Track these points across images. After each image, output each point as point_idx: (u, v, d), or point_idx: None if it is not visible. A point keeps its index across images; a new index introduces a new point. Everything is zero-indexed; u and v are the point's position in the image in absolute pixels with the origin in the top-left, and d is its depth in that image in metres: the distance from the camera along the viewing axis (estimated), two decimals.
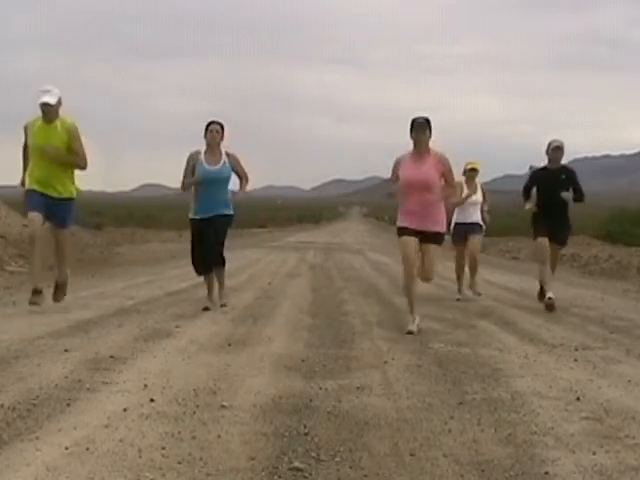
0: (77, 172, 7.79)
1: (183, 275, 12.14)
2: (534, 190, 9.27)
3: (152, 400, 4.20)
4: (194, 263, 8.34)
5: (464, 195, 10.13)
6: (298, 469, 3.20)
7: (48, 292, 7.94)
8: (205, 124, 8.19)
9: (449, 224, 9.64)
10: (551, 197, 9.04)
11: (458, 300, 9.99)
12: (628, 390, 4.90)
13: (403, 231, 7.34)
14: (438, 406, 4.33)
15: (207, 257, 8.23)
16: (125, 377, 4.78)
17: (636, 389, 4.93)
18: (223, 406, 4.15)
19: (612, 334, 7.30)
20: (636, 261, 16.58)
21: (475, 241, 10.29)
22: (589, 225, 25.72)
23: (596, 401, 4.55)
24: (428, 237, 7.29)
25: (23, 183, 7.76)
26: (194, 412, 4.02)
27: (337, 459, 3.36)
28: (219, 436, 3.62)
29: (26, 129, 7.64)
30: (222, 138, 8.19)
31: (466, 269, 10.39)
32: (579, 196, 9.09)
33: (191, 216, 8.32)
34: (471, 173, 10.35)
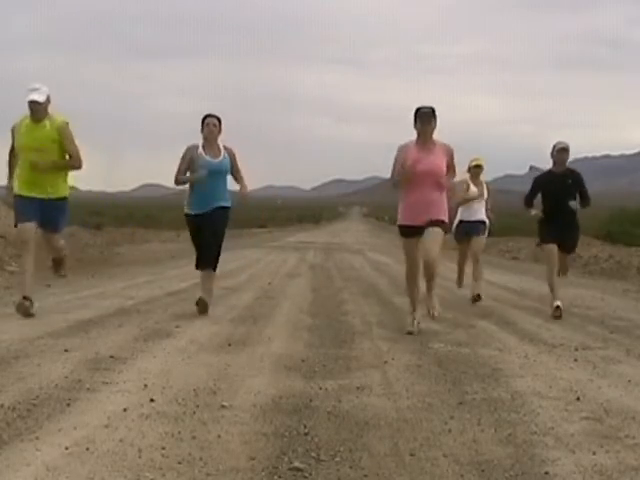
0: (73, 172, 7.53)
1: (183, 275, 12.15)
2: (538, 196, 8.82)
3: (152, 400, 4.20)
4: (198, 260, 7.99)
5: (471, 195, 9.82)
6: (298, 469, 3.20)
7: (47, 292, 7.94)
8: (201, 117, 7.92)
9: (451, 222, 9.39)
10: (558, 204, 8.55)
11: (459, 288, 10.27)
12: (628, 390, 4.90)
13: (406, 231, 7.12)
14: (438, 406, 4.33)
15: (204, 254, 7.89)
16: (125, 377, 4.78)
17: (636, 389, 4.93)
18: (223, 406, 4.15)
19: (612, 334, 7.30)
20: (636, 261, 16.59)
21: (478, 242, 9.94)
22: (589, 225, 25.71)
23: (596, 401, 4.55)
24: (431, 223, 6.97)
25: (11, 188, 7.43)
26: (194, 412, 4.02)
27: (337, 459, 3.36)
28: (219, 436, 3.62)
29: (13, 131, 7.33)
30: (220, 132, 7.91)
31: (467, 270, 10.12)
32: (586, 202, 8.71)
33: (187, 211, 7.94)
34: (476, 170, 9.98)
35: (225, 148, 7.89)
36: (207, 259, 7.85)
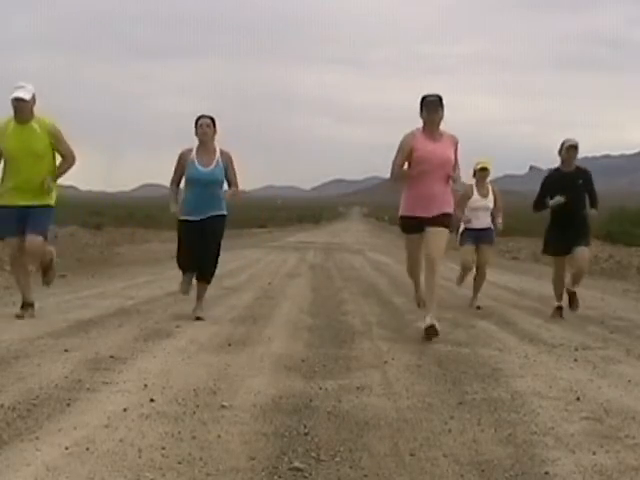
0: (70, 171, 7.24)
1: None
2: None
3: (152, 400, 4.20)
4: (179, 261, 7.61)
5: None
6: (298, 469, 3.20)
7: (47, 292, 7.94)
8: (194, 119, 7.51)
9: (457, 229, 9.22)
10: (568, 205, 8.13)
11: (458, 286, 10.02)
12: (628, 390, 4.90)
13: (408, 225, 6.82)
14: (438, 406, 4.33)
15: (197, 262, 7.47)
16: (125, 377, 4.78)
17: (636, 389, 4.93)
18: (223, 406, 4.14)
19: (612, 334, 7.31)
20: (636, 261, 16.60)
21: (486, 252, 9.50)
22: (590, 225, 25.73)
23: (596, 401, 4.55)
24: (436, 219, 6.64)
25: None
26: (194, 412, 4.02)
27: (337, 459, 3.36)
28: (219, 436, 3.62)
29: None
30: (214, 132, 7.47)
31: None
32: (594, 203, 8.32)
33: (181, 217, 7.51)
34: (482, 173, 9.40)
35: (222, 153, 7.47)
36: (204, 272, 7.54)
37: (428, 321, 6.52)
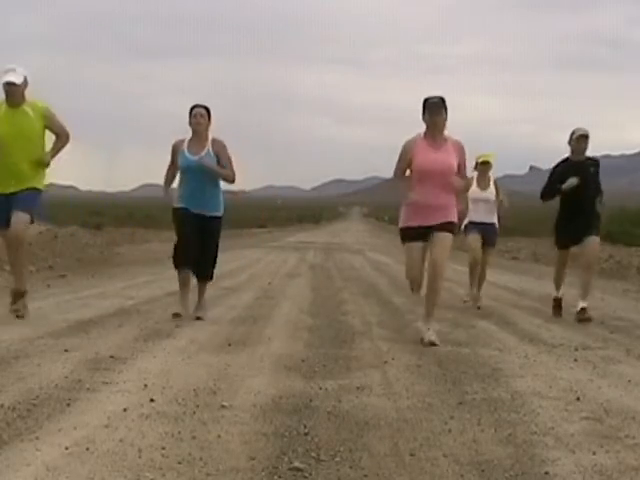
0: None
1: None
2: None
3: (152, 400, 4.20)
4: (175, 256, 7.32)
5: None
6: (298, 469, 3.20)
7: (47, 292, 7.93)
8: (189, 108, 7.31)
9: (460, 221, 8.66)
10: (579, 195, 7.81)
11: (465, 302, 9.23)
12: (628, 390, 4.90)
13: (407, 234, 6.53)
14: (438, 406, 4.33)
15: (192, 253, 7.23)
16: (125, 377, 4.78)
17: (636, 389, 4.93)
18: (223, 406, 4.14)
19: (612, 334, 7.30)
20: (636, 261, 16.60)
21: (486, 255, 9.31)
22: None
23: (596, 401, 4.55)
24: (440, 226, 6.38)
25: None
26: (194, 412, 4.02)
27: (337, 459, 3.36)
28: (219, 436, 3.62)
29: None
30: (209, 123, 7.27)
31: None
32: (600, 196, 8.07)
33: (176, 205, 7.36)
34: (483, 167, 9.21)
35: (213, 141, 7.27)
36: (203, 271, 7.43)
37: (431, 338, 6.31)
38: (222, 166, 7.27)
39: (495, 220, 9.32)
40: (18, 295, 6.98)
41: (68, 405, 4.07)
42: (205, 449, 3.42)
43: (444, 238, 6.38)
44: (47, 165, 6.92)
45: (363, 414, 4.10)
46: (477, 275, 9.24)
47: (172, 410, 4.04)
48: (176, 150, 7.34)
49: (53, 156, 6.93)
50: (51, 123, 6.83)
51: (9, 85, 6.59)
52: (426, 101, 6.36)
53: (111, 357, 5.38)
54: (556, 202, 8.32)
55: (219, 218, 7.39)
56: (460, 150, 6.48)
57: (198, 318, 7.33)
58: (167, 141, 7.64)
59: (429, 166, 6.32)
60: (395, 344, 6.38)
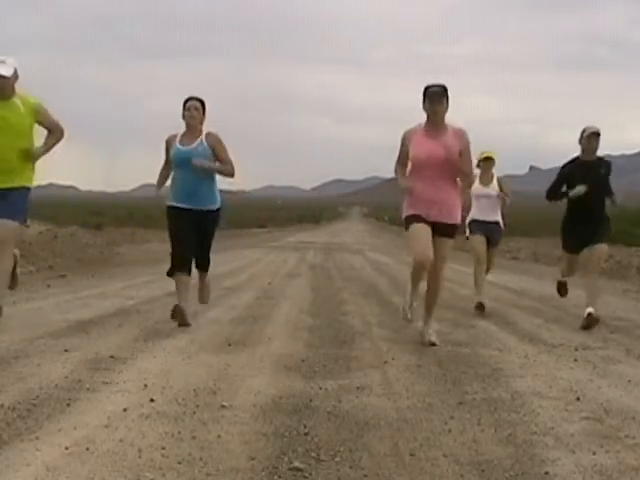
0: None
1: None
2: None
3: (152, 400, 4.20)
4: (173, 255, 7.01)
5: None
6: (298, 469, 3.20)
7: (47, 292, 7.93)
8: (183, 101, 6.97)
9: (463, 220, 8.14)
10: (587, 196, 7.45)
11: (479, 305, 8.57)
12: (628, 390, 4.90)
13: (414, 218, 6.19)
14: (438, 406, 4.33)
15: (189, 255, 6.97)
16: (125, 377, 4.78)
17: (636, 389, 4.93)
18: (223, 406, 4.15)
19: (612, 334, 7.30)
20: (636, 261, 16.60)
21: (492, 254, 9.06)
22: None
23: (596, 401, 4.55)
24: (441, 229, 6.17)
25: None
26: (194, 412, 4.02)
27: (337, 459, 3.36)
28: (219, 436, 3.62)
29: None
30: (203, 117, 6.95)
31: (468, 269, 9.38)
32: (610, 194, 7.65)
33: (168, 203, 7.02)
34: (486, 163, 8.92)
35: (208, 134, 6.93)
36: (202, 264, 7.24)
37: (431, 338, 6.31)
38: (220, 160, 6.94)
39: (499, 218, 9.04)
40: None
41: (68, 405, 4.08)
42: (205, 449, 3.42)
43: (445, 244, 6.22)
44: (35, 159, 6.46)
45: (363, 414, 4.10)
46: (484, 277, 8.91)
47: (172, 410, 4.04)
48: (169, 145, 7.03)
49: (45, 151, 6.53)
50: (43, 118, 6.43)
51: None
52: (427, 89, 6.07)
53: (111, 357, 5.38)
54: (561, 202, 7.99)
55: (216, 211, 7.07)
56: (461, 137, 6.15)
57: (203, 302, 7.63)
58: None
59: (425, 155, 6.07)
60: (395, 344, 6.38)
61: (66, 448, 3.34)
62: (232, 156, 7.02)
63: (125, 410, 4.00)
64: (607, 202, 7.62)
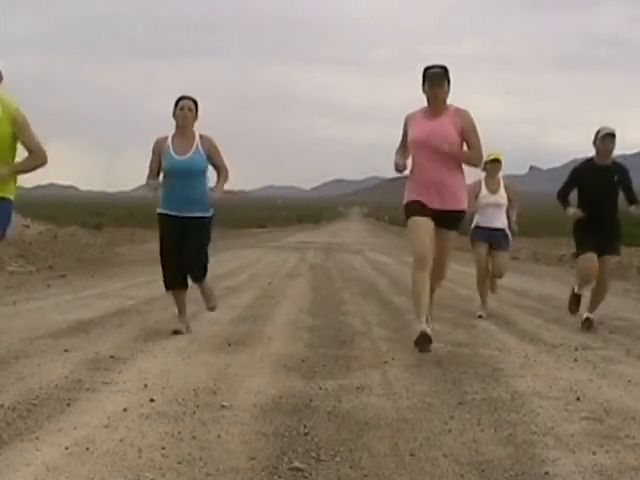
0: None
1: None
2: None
3: (152, 400, 4.20)
4: (164, 274, 6.64)
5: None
6: (298, 469, 3.20)
7: (47, 292, 7.94)
8: (175, 100, 6.53)
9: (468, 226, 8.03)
10: (598, 202, 7.21)
11: (480, 317, 8.23)
12: (628, 390, 4.90)
13: (413, 207, 5.82)
14: (438, 406, 4.33)
15: (181, 268, 6.54)
16: (125, 377, 4.78)
17: (636, 389, 4.93)
18: (223, 406, 4.15)
19: (612, 334, 7.30)
20: (636, 261, 16.59)
21: (503, 259, 8.53)
22: None
23: (596, 401, 4.55)
24: (445, 219, 5.79)
25: None
26: (194, 412, 4.02)
27: (337, 459, 3.36)
28: (219, 436, 3.62)
29: None
30: (196, 118, 6.53)
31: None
32: (633, 199, 7.30)
33: (159, 210, 6.60)
34: (493, 165, 8.38)
35: (201, 138, 6.51)
36: (196, 276, 6.64)
37: (423, 327, 5.81)
38: (215, 165, 6.58)
39: (504, 224, 8.50)
40: None
41: (68, 405, 4.08)
42: (205, 449, 3.42)
43: (448, 237, 5.92)
44: (5, 177, 5.33)
45: (363, 414, 4.10)
46: (487, 287, 8.60)
47: (172, 410, 4.04)
48: (158, 149, 6.52)
49: (18, 172, 5.48)
50: (21, 131, 5.32)
51: None
52: (426, 70, 5.75)
53: (111, 357, 5.38)
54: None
55: (209, 219, 6.59)
56: (463, 116, 5.81)
57: (211, 309, 7.04)
58: None
59: (424, 137, 5.73)
60: (395, 344, 6.38)
61: (66, 448, 3.34)
62: (225, 159, 6.69)
63: (125, 410, 4.00)
64: (632, 208, 7.30)
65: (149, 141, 6.72)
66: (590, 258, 7.25)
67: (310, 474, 3.17)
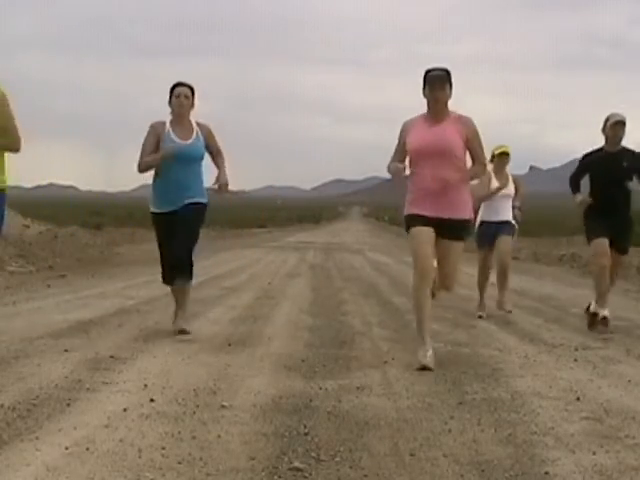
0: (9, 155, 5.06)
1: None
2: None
3: (152, 400, 4.20)
4: (163, 268, 6.51)
5: (494, 188, 8.10)
6: (298, 469, 3.20)
7: (47, 292, 7.93)
8: (170, 87, 6.37)
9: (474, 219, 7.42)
10: (609, 189, 7.02)
11: (480, 317, 8.16)
12: (628, 390, 4.90)
13: (414, 219, 5.48)
14: (438, 406, 4.33)
15: (174, 262, 6.35)
16: (125, 377, 4.78)
17: (636, 389, 4.93)
18: (223, 406, 4.15)
19: (612, 334, 7.30)
20: (636, 261, 16.58)
21: (505, 244, 8.28)
22: None
23: (596, 401, 4.55)
24: (449, 229, 5.44)
25: None
26: (194, 412, 4.02)
27: (337, 459, 3.36)
28: (219, 436, 3.62)
29: None
30: (192, 105, 6.35)
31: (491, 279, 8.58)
32: None
33: (152, 209, 6.45)
34: (501, 159, 8.27)
35: (199, 125, 6.38)
36: (180, 268, 6.34)
37: (425, 361, 5.39)
38: (213, 151, 6.43)
39: (510, 216, 8.32)
40: None
41: (68, 405, 4.08)
42: (205, 449, 3.42)
43: (453, 249, 5.55)
44: None
45: (363, 414, 4.10)
46: (486, 286, 8.46)
47: (172, 410, 4.04)
48: (156, 132, 6.31)
49: None
50: (2, 112, 4.96)
51: None
52: (427, 73, 5.46)
53: (111, 357, 5.38)
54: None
55: (204, 205, 6.39)
56: (466, 123, 5.53)
57: (182, 332, 6.39)
58: None
59: (425, 145, 5.41)
60: (395, 344, 6.38)
61: (66, 448, 3.34)
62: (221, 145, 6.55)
63: (125, 410, 4.00)
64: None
65: None
66: (602, 243, 7.01)
67: (310, 474, 3.17)
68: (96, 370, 4.96)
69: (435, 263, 5.58)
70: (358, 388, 4.69)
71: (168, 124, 6.33)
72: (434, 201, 5.42)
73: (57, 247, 16.34)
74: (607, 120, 7.05)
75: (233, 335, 6.58)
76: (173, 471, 3.14)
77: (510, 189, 8.35)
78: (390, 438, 3.69)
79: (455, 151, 5.45)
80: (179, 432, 3.66)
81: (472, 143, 5.52)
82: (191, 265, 6.36)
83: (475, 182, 6.50)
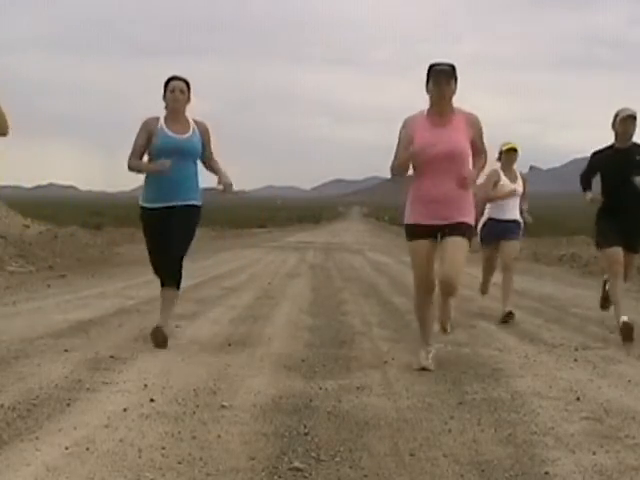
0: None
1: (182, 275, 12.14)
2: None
3: (152, 400, 4.20)
4: (156, 271, 6.17)
5: (503, 192, 7.87)
6: (298, 469, 3.20)
7: (47, 292, 7.93)
8: (165, 81, 6.06)
9: (477, 221, 6.98)
10: (621, 187, 6.72)
11: (483, 294, 8.36)
12: (628, 390, 4.90)
13: (415, 231, 5.32)
14: (438, 406, 4.33)
15: (162, 266, 6.05)
16: (125, 377, 4.78)
17: (636, 389, 4.93)
18: (223, 406, 4.15)
19: (612, 334, 7.29)
20: (636, 261, 16.59)
21: (510, 246, 8.16)
22: (589, 225, 25.68)
23: (596, 401, 4.55)
24: (452, 228, 5.23)
25: None
26: (194, 412, 4.02)
27: (337, 459, 3.36)
28: (219, 436, 3.62)
29: None
30: (188, 100, 6.04)
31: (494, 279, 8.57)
32: None
33: (142, 203, 6.05)
34: (509, 155, 7.94)
35: (197, 123, 6.07)
36: (169, 273, 6.01)
37: (425, 363, 5.36)
38: (208, 152, 6.11)
39: (518, 215, 8.13)
40: None
41: (68, 405, 4.08)
42: (205, 449, 3.42)
43: (457, 246, 5.24)
44: None
45: (363, 414, 4.10)
46: (490, 280, 8.41)
47: (172, 410, 4.04)
48: (149, 128, 5.98)
49: None
50: None
51: None
52: (432, 67, 5.18)
53: (111, 357, 5.38)
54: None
55: (198, 208, 6.04)
56: (473, 123, 5.32)
57: (158, 330, 5.91)
58: None
59: (428, 149, 5.16)
60: (395, 344, 6.38)
61: (66, 448, 3.34)
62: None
63: (125, 410, 4.00)
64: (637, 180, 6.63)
65: None
66: (616, 252, 6.73)
67: (310, 474, 3.17)
68: (96, 370, 4.96)
69: (436, 270, 5.40)
70: (358, 388, 4.70)
71: (162, 119, 5.99)
72: (436, 208, 5.23)
73: (57, 247, 16.33)
74: (616, 115, 6.71)
75: (233, 335, 6.58)
76: (173, 471, 3.14)
77: (520, 185, 8.08)
78: (390, 438, 3.69)
79: (462, 156, 5.24)
80: (179, 432, 3.66)
81: (476, 140, 5.34)
82: (180, 273, 6.02)
83: (479, 182, 6.35)
